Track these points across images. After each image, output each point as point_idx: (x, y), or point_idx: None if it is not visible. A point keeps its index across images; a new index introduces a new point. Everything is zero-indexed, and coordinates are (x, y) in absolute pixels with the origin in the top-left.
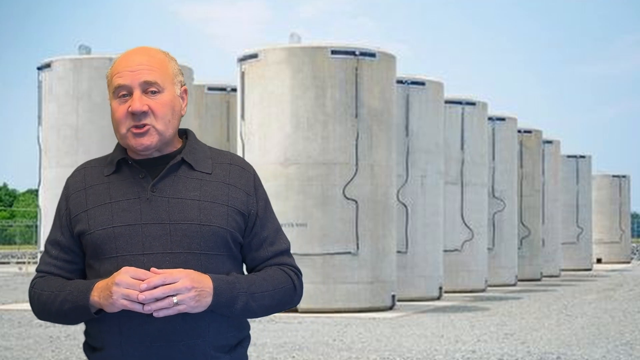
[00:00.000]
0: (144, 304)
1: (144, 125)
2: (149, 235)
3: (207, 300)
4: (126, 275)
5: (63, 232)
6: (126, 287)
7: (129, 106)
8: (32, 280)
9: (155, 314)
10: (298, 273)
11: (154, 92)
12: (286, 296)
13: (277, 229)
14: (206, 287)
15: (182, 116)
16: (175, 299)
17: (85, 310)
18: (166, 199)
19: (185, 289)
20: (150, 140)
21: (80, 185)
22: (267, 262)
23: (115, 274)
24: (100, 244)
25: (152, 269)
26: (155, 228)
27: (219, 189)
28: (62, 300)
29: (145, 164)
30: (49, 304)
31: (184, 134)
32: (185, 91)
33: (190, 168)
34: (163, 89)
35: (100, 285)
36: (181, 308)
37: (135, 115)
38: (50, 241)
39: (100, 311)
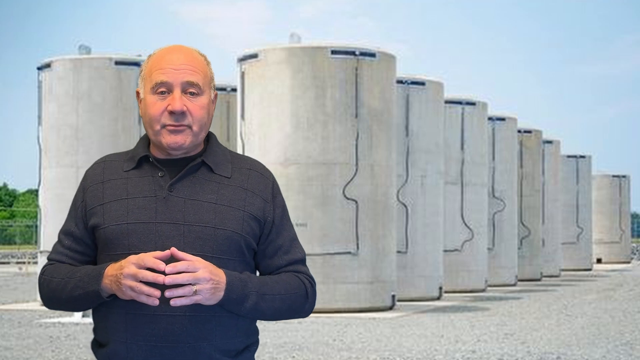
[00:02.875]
0: (160, 294)
1: (181, 125)
2: (162, 234)
3: (220, 294)
4: (132, 266)
5: (77, 224)
6: (132, 279)
7: (168, 104)
8: (43, 268)
9: (172, 302)
10: (312, 282)
11: (192, 94)
12: (297, 302)
13: (293, 238)
14: (221, 281)
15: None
16: (194, 288)
17: (97, 296)
18: (182, 200)
19: (204, 279)
20: (184, 139)
21: (99, 178)
22: (280, 270)
23: (122, 262)
24: (113, 239)
25: (173, 249)
26: (169, 228)
27: (236, 193)
28: (73, 286)
29: (166, 163)
30: (58, 291)
31: (206, 136)
32: (216, 96)
33: (210, 170)
34: (202, 91)
35: (110, 272)
36: (197, 298)
37: (173, 114)
38: (63, 231)
39: (113, 295)
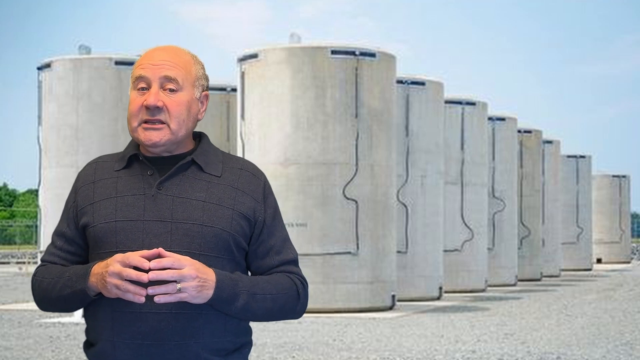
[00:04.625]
0: (146, 292)
1: (157, 121)
2: (149, 232)
3: (209, 292)
4: (117, 264)
5: (69, 224)
6: (117, 277)
7: (145, 99)
8: (35, 269)
9: (156, 299)
10: (304, 283)
11: (172, 90)
12: (289, 303)
13: (285, 238)
14: (209, 279)
15: (198, 120)
16: (178, 286)
17: (84, 294)
18: (171, 198)
19: (189, 277)
20: (159, 136)
21: (90, 178)
22: (272, 270)
23: (108, 260)
24: (102, 237)
25: (160, 249)
26: (156, 225)
27: (226, 192)
28: (62, 285)
29: (156, 162)
30: (49, 291)
31: (198, 136)
32: (206, 96)
33: (200, 169)
34: (182, 87)
35: (96, 270)
36: (182, 296)
37: (149, 109)
38: (56, 232)
39: (100, 293)
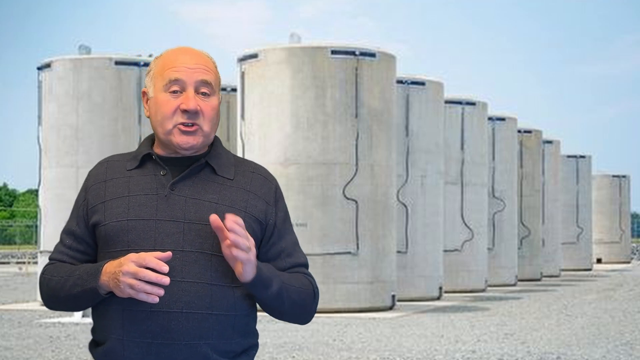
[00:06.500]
0: (164, 292)
1: (192, 124)
2: (162, 231)
3: (254, 269)
4: (131, 264)
5: (78, 223)
6: (132, 277)
7: (181, 103)
8: (43, 267)
9: (234, 252)
10: (316, 287)
11: (205, 94)
12: (308, 299)
13: (295, 243)
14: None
15: None
16: (249, 245)
17: (95, 293)
18: (183, 198)
19: (253, 245)
20: (196, 139)
21: (101, 177)
22: (285, 272)
23: (122, 259)
24: (113, 235)
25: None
26: (169, 225)
27: (238, 194)
28: (72, 284)
29: (169, 162)
30: (58, 289)
31: None
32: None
33: (213, 172)
34: (214, 92)
35: (108, 269)
36: (250, 257)
37: (187, 113)
38: (65, 230)
39: (111, 292)
